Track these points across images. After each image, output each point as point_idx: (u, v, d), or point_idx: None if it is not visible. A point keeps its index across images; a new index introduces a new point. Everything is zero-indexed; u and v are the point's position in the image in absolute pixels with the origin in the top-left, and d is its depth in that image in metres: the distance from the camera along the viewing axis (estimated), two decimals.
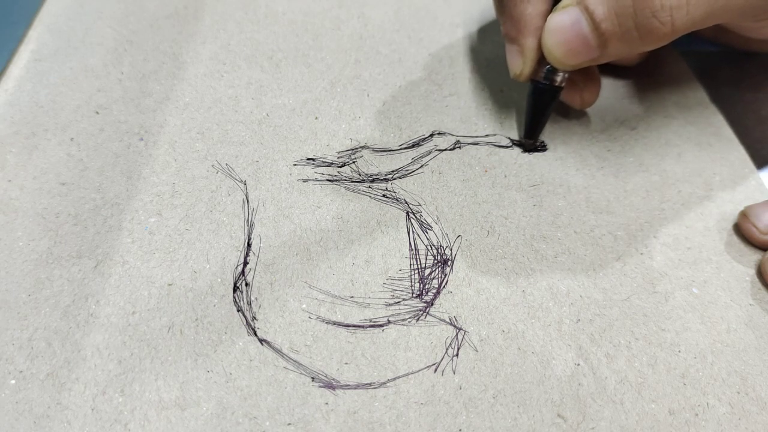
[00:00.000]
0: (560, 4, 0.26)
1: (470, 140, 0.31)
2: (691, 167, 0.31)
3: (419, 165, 0.30)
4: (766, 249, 0.27)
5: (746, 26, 0.30)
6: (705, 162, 0.31)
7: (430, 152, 0.31)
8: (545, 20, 0.27)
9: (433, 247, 0.27)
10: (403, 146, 0.31)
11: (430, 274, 0.26)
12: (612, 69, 0.35)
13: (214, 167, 0.30)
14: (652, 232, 0.28)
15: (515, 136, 0.32)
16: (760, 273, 0.27)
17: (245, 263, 0.26)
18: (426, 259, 0.27)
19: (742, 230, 0.27)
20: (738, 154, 0.31)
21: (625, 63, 0.34)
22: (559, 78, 0.29)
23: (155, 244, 0.27)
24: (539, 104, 0.30)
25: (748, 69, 0.36)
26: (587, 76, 0.31)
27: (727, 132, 0.32)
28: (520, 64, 0.29)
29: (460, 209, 0.29)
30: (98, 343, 0.24)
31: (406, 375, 0.24)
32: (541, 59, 0.28)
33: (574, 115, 0.33)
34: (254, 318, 0.25)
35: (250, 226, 0.28)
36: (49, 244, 0.27)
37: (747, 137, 0.32)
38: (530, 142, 0.31)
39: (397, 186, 0.29)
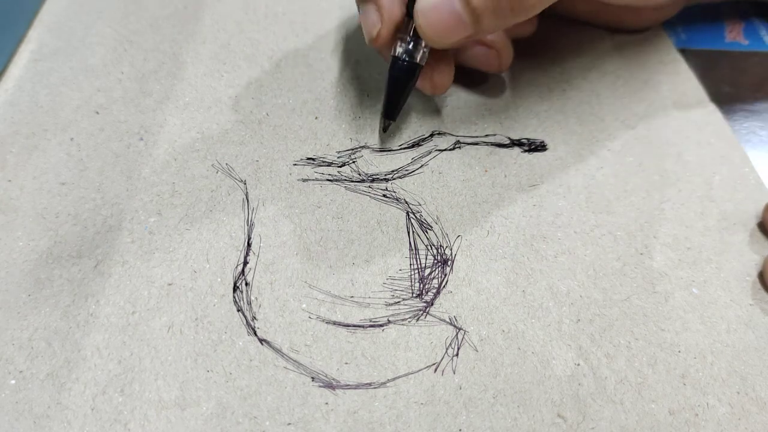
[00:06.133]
0: None
1: (470, 140, 0.31)
2: (691, 167, 0.31)
3: (419, 165, 0.30)
4: None
5: None
6: (705, 162, 0.31)
7: (430, 152, 0.31)
8: None
9: (433, 247, 0.27)
10: (402, 146, 0.31)
11: (430, 274, 0.26)
12: (611, 68, 0.35)
13: (214, 167, 0.30)
14: (652, 232, 0.28)
15: (515, 136, 0.32)
16: (761, 275, 0.26)
17: (245, 263, 0.26)
18: (426, 259, 0.27)
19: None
20: (738, 153, 0.31)
21: (519, 34, 0.33)
22: (419, 55, 0.28)
23: (155, 244, 0.27)
24: (399, 82, 0.29)
25: (747, 68, 0.36)
26: (437, 56, 0.29)
27: (727, 131, 0.32)
28: (377, 24, 0.27)
29: (460, 209, 0.29)
30: (98, 343, 0.24)
31: (406, 375, 0.24)
32: (402, 30, 0.27)
33: (574, 114, 0.33)
34: (254, 318, 0.25)
35: (250, 226, 0.28)
36: (49, 244, 0.27)
37: (747, 137, 0.32)
38: (389, 122, 0.30)
39: (397, 186, 0.29)
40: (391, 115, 0.30)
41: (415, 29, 0.27)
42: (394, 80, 0.29)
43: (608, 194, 0.29)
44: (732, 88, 0.35)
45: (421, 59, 0.28)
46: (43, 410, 0.22)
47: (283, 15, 0.38)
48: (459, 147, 0.31)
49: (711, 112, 0.33)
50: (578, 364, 0.24)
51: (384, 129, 0.31)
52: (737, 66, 0.37)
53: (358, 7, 0.29)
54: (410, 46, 0.28)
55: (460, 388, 0.23)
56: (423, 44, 0.28)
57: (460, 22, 0.25)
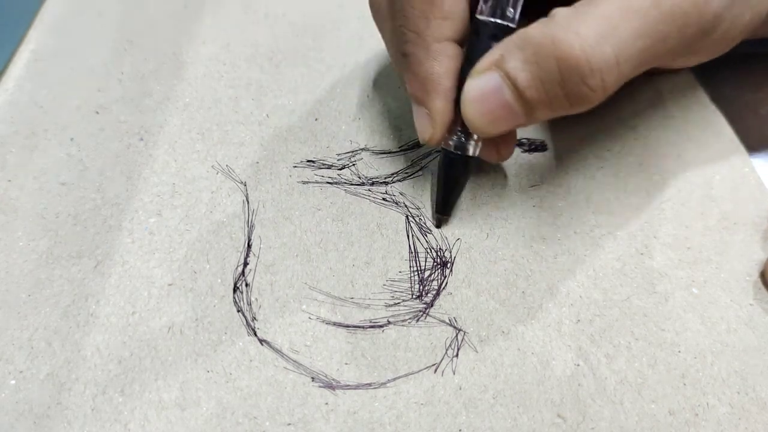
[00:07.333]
0: (477, 68, 0.23)
1: None
2: (691, 167, 0.31)
3: (419, 167, 0.30)
4: None
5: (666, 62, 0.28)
6: (705, 162, 0.31)
7: (429, 154, 0.31)
8: (455, 79, 0.24)
9: (433, 250, 0.27)
10: (402, 148, 0.31)
11: (429, 275, 0.26)
12: None
13: (214, 168, 0.30)
14: (652, 232, 0.28)
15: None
16: (762, 275, 0.26)
17: (245, 264, 0.26)
18: (425, 261, 0.27)
19: None
20: (738, 153, 0.31)
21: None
22: (471, 147, 0.26)
23: (155, 244, 0.27)
24: (452, 175, 0.27)
25: (748, 69, 0.36)
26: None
27: (727, 131, 0.32)
28: (429, 129, 0.25)
29: (459, 211, 0.29)
30: (98, 343, 0.24)
31: (406, 375, 0.24)
32: (452, 125, 0.25)
33: (574, 114, 0.33)
34: (254, 318, 0.25)
35: (250, 227, 0.28)
36: (49, 244, 0.27)
37: (747, 137, 0.32)
38: (444, 217, 0.28)
39: (397, 189, 0.29)
40: (445, 211, 0.28)
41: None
42: (446, 175, 0.27)
43: (608, 194, 0.29)
44: (733, 88, 0.35)
45: (474, 151, 0.26)
46: (43, 410, 0.22)
47: (283, 15, 0.38)
48: None
49: (711, 112, 0.33)
50: (578, 365, 0.24)
51: (437, 225, 0.28)
52: (737, 66, 0.36)
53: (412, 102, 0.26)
54: (462, 139, 0.26)
55: (460, 389, 0.23)
56: (475, 135, 0.26)
57: (511, 113, 0.23)
